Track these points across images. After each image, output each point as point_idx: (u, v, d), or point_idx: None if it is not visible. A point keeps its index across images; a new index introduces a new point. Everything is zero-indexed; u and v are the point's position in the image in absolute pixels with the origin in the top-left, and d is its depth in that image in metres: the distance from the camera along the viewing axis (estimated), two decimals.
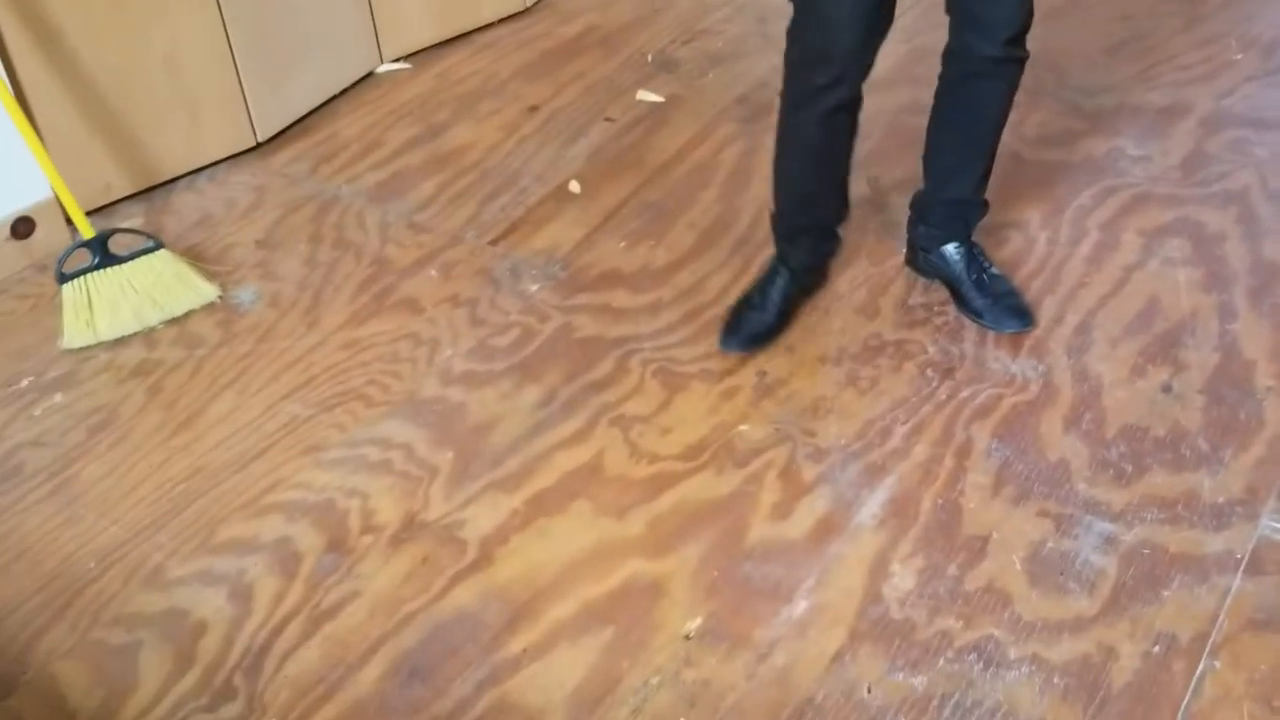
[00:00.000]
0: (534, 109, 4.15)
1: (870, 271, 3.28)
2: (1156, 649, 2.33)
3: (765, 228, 3.22)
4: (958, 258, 3.08)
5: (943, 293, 3.15)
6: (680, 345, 3.10)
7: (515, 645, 2.40)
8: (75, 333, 3.21)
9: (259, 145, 4.00)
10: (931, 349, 3.02)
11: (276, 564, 2.61)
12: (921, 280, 3.21)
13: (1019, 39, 2.79)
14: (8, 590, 2.60)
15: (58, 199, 3.38)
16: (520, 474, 2.78)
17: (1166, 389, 2.88)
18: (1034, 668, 2.30)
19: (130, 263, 3.29)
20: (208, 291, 3.35)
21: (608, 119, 4.06)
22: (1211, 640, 2.34)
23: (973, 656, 2.33)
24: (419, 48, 4.51)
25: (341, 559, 2.61)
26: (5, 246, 3.47)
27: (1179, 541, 2.53)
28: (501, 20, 4.68)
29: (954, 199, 3.08)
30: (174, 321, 3.29)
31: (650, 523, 2.65)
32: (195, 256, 3.48)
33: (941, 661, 2.33)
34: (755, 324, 3.10)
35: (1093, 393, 2.88)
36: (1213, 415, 2.81)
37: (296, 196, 3.77)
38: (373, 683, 2.35)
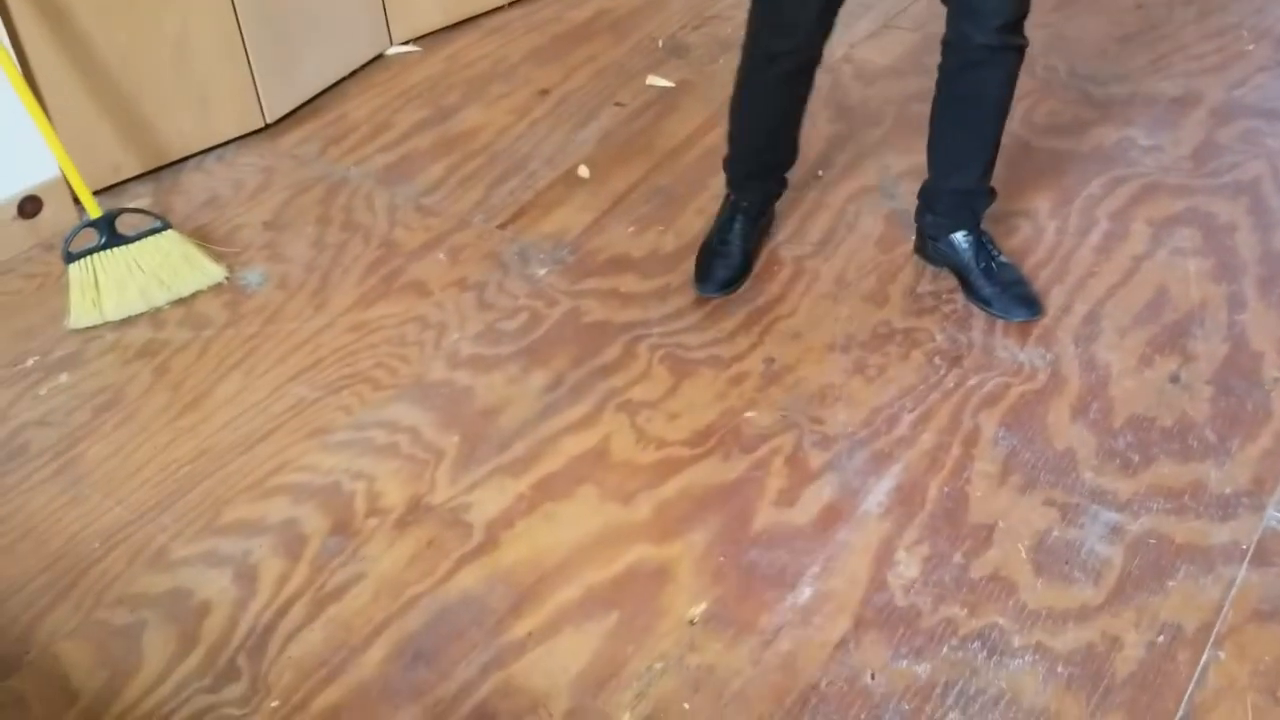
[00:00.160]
0: (544, 93, 4.15)
1: (879, 259, 3.28)
2: (1161, 639, 2.32)
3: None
4: (966, 246, 3.07)
5: (951, 281, 3.14)
6: (688, 331, 3.09)
7: (520, 629, 2.40)
8: (82, 312, 3.21)
9: (268, 126, 4.00)
10: (940, 337, 3.01)
11: (281, 546, 2.61)
12: (930, 268, 3.21)
13: (1015, 26, 2.80)
14: (12, 570, 2.60)
15: (65, 178, 3.37)
16: (527, 458, 2.78)
17: (1174, 379, 2.87)
18: (1038, 656, 2.30)
19: (137, 243, 3.29)
20: (215, 272, 3.35)
21: (618, 103, 4.06)
22: (1216, 631, 2.33)
23: (977, 644, 2.32)
24: (429, 30, 4.51)
25: (347, 541, 2.60)
26: (12, 225, 3.47)
27: (1185, 532, 2.52)
28: (512, 3, 4.68)
29: (959, 188, 3.08)
30: (181, 302, 3.29)
31: (656, 508, 2.65)
32: (203, 237, 3.48)
33: (945, 649, 2.32)
34: (725, 268, 3.23)
35: (1100, 382, 2.88)
36: (1220, 406, 2.80)
37: (305, 178, 3.77)
38: (376, 665, 2.35)
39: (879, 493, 2.64)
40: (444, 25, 4.55)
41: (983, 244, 3.08)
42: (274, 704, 2.29)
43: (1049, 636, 2.33)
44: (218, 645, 2.41)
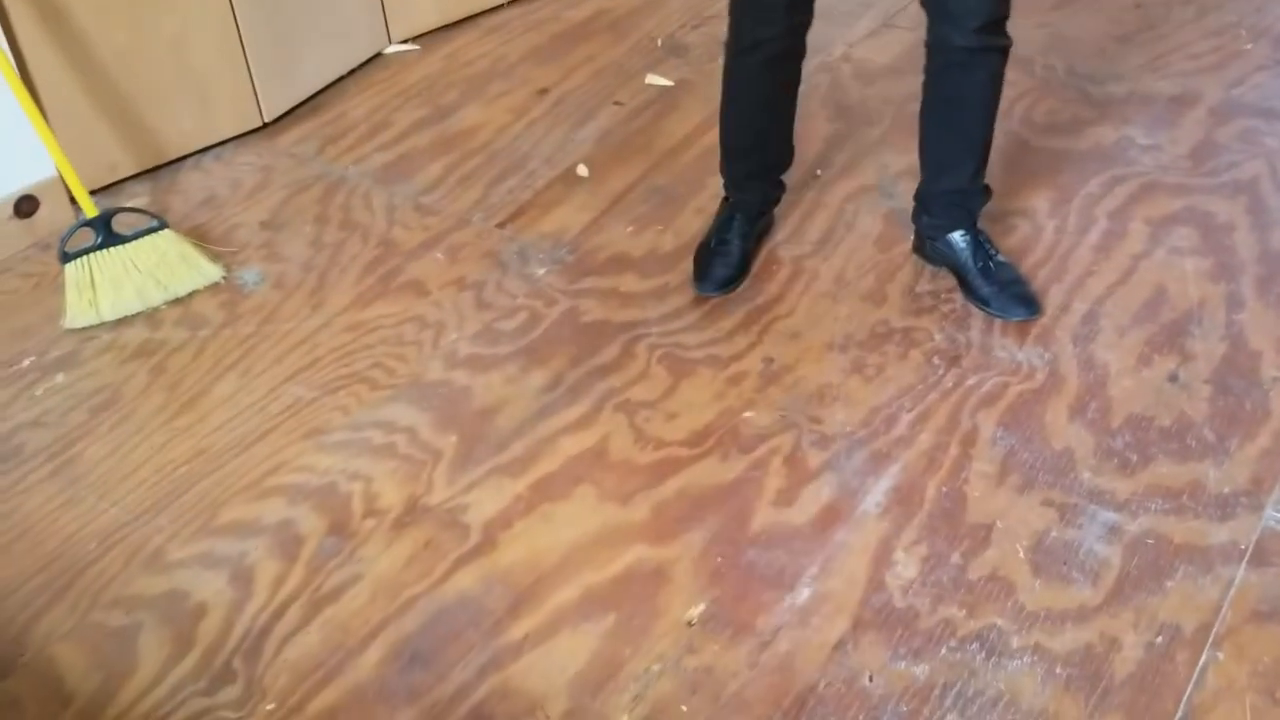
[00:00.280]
0: (543, 92, 4.14)
1: (878, 258, 3.27)
2: (1160, 640, 2.31)
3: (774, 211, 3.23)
4: (964, 245, 3.07)
5: (950, 280, 3.14)
6: (687, 330, 3.09)
7: (517, 630, 2.39)
8: (78, 312, 3.20)
9: (266, 125, 4.00)
10: (938, 336, 3.01)
11: (278, 547, 2.60)
12: (929, 268, 3.20)
13: (994, 27, 2.81)
14: (8, 571, 2.59)
15: (62, 178, 3.36)
16: (525, 458, 2.77)
17: (1173, 378, 2.86)
18: (1036, 657, 2.29)
19: (134, 242, 3.28)
20: (212, 272, 3.34)
21: (617, 103, 4.05)
22: (1215, 631, 2.33)
23: (975, 646, 2.32)
24: (427, 29, 4.51)
25: (343, 543, 2.60)
26: (9, 225, 3.46)
27: (1183, 532, 2.52)
28: (510, 2, 4.67)
29: (952, 189, 3.08)
30: (178, 302, 3.28)
31: (654, 508, 2.64)
32: (200, 236, 3.47)
33: (944, 650, 2.32)
34: (724, 268, 3.22)
35: (1099, 382, 2.87)
36: (1219, 405, 2.79)
37: (303, 177, 3.77)
38: (372, 667, 2.34)
39: (877, 493, 2.64)
40: (442, 24, 4.54)
41: (980, 243, 3.07)
42: (269, 707, 2.28)
43: (1047, 637, 2.33)
44: (213, 648, 2.40)
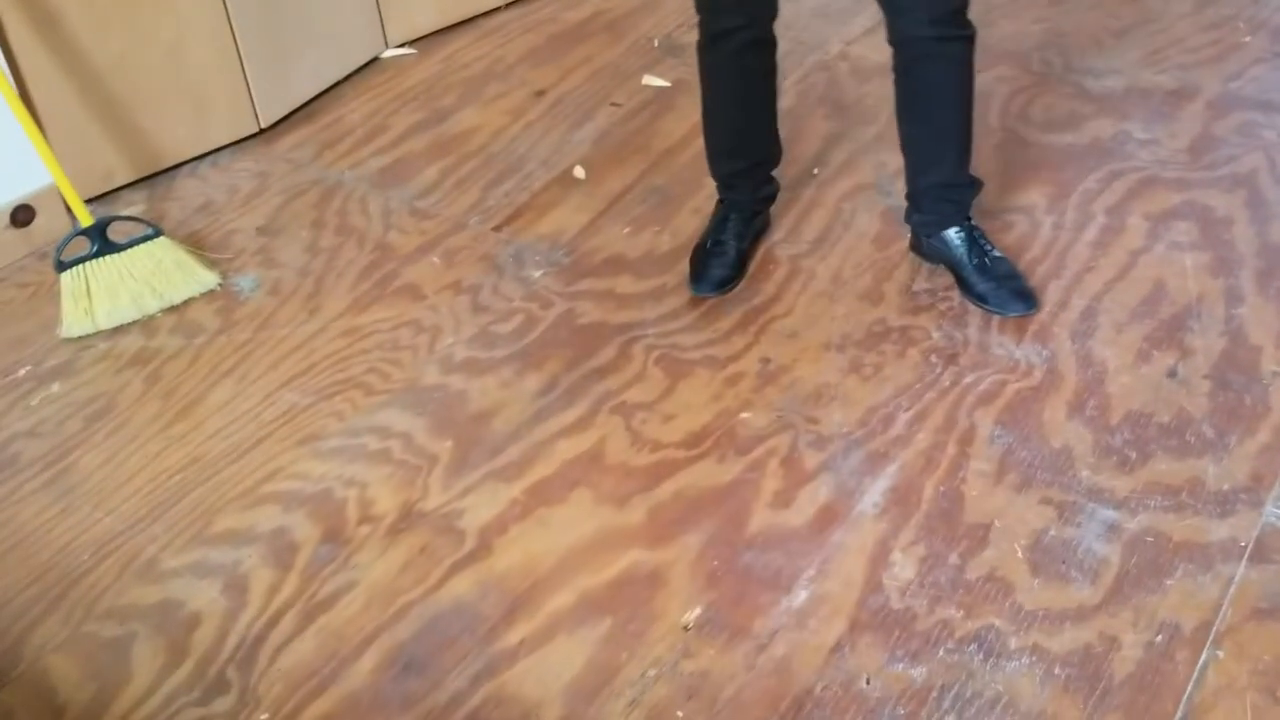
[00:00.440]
0: (540, 94, 4.13)
1: (875, 257, 3.26)
2: (1159, 638, 2.30)
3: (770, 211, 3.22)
4: (958, 242, 3.05)
5: (948, 278, 3.12)
6: (684, 331, 3.07)
7: (512, 637, 2.38)
8: (74, 321, 3.20)
9: (263, 131, 3.99)
10: (936, 335, 2.99)
11: (272, 555, 2.59)
12: (926, 265, 3.19)
13: (952, 18, 2.82)
14: (2, 582, 2.58)
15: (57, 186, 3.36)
16: (520, 462, 2.76)
17: (1172, 374, 2.85)
18: (1035, 658, 2.27)
19: (129, 250, 3.28)
20: (207, 279, 3.34)
21: (614, 104, 4.04)
22: (1215, 629, 2.31)
23: (973, 647, 2.30)
24: (424, 32, 4.50)
25: (338, 549, 2.59)
26: (5, 234, 3.46)
27: (1183, 529, 2.50)
28: (508, 4, 4.66)
29: (937, 182, 3.07)
30: (173, 309, 3.28)
31: (651, 511, 2.63)
32: (196, 243, 3.47)
33: (942, 652, 2.30)
34: (720, 268, 3.21)
35: (1097, 378, 2.85)
36: (1218, 401, 2.78)
37: (300, 182, 3.76)
38: (367, 675, 2.33)
39: (874, 493, 2.62)
40: (440, 27, 4.53)
41: (975, 239, 3.06)
42: (263, 716, 2.27)
43: (1046, 637, 2.31)
44: (207, 657, 2.39)
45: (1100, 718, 2.18)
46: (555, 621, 2.41)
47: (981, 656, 2.28)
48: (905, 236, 3.26)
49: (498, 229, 3.49)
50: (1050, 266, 3.17)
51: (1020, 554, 2.47)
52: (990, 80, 3.95)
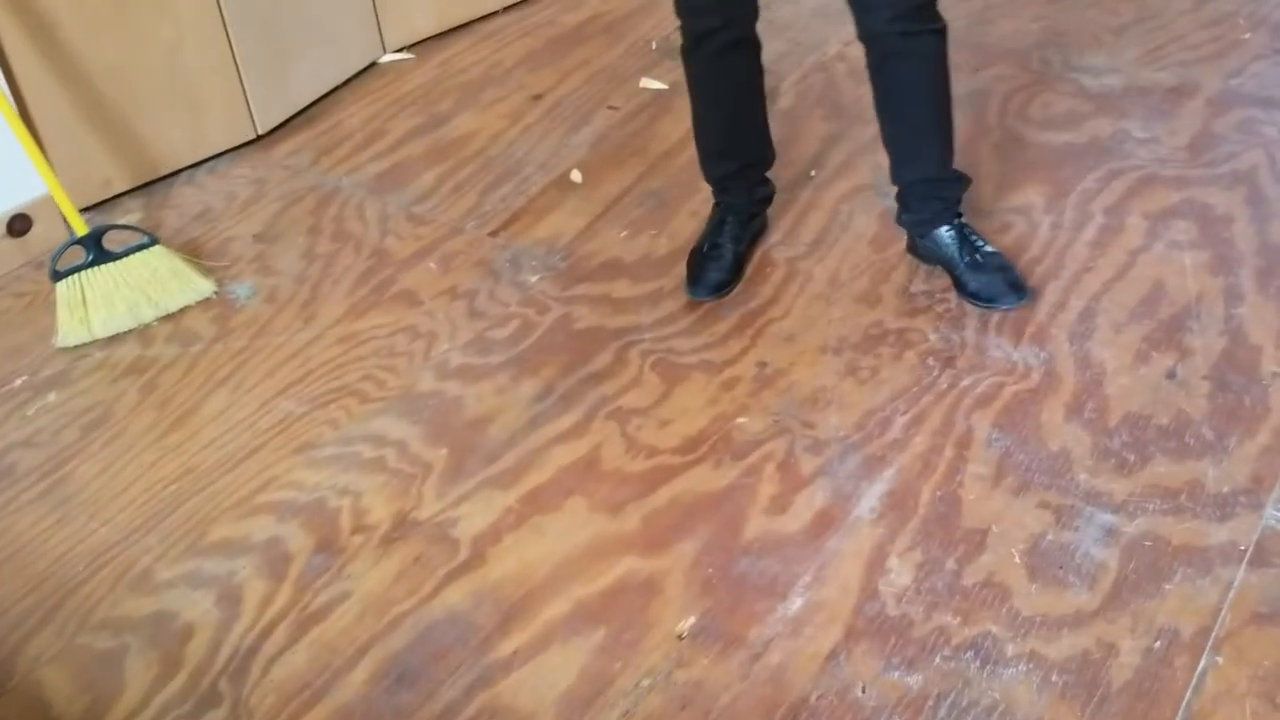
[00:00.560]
0: (537, 97, 4.13)
1: (873, 259, 3.24)
2: (1158, 644, 2.28)
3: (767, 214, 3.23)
4: (950, 240, 3.04)
5: (945, 280, 3.11)
6: (680, 335, 3.06)
7: (506, 647, 2.37)
8: (70, 331, 3.20)
9: (260, 137, 3.99)
10: (933, 337, 2.98)
11: (266, 565, 2.58)
12: (923, 267, 3.17)
13: (918, 13, 2.81)
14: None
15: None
16: (515, 470, 2.75)
17: (1171, 375, 2.83)
18: (1032, 665, 2.26)
19: (125, 259, 3.27)
20: (204, 287, 3.33)
21: (611, 107, 4.03)
22: (1214, 635, 2.29)
23: (970, 654, 2.29)
24: (422, 37, 4.50)
25: (331, 559, 2.58)
26: (1, 244, 3.46)
27: (1182, 533, 2.48)
28: (505, 8, 4.65)
29: (921, 178, 3.06)
30: (169, 318, 3.27)
31: (646, 518, 2.62)
32: (194, 251, 3.46)
33: (938, 659, 2.28)
34: (716, 272, 3.20)
35: (1095, 380, 2.84)
36: (1218, 402, 2.76)
37: (297, 188, 3.76)
38: (360, 686, 2.32)
39: (871, 498, 2.61)
40: (437, 31, 4.53)
41: (966, 236, 3.05)
42: None
43: (1043, 644, 2.29)
44: (200, 669, 2.38)
45: None
46: (549, 631, 2.40)
47: (978, 664, 2.27)
48: (903, 238, 3.24)
49: (494, 234, 3.48)
50: (1048, 267, 3.15)
51: (1018, 559, 2.45)
52: (988, 79, 3.94)
